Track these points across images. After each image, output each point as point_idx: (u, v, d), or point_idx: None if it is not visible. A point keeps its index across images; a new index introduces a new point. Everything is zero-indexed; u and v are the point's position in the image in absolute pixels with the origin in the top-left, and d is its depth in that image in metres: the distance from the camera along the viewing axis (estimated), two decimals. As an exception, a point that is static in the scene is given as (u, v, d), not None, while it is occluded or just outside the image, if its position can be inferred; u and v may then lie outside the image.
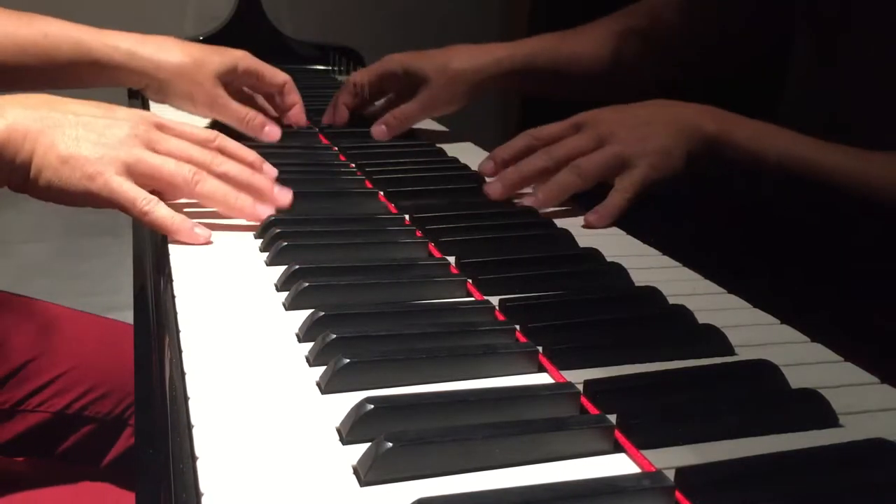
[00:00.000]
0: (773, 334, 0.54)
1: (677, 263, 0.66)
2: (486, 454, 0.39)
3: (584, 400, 0.45)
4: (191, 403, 0.43)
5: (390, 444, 0.38)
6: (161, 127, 0.69)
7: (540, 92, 1.07)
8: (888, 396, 0.47)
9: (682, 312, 0.55)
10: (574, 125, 0.79)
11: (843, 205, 0.72)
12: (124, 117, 0.68)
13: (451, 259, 0.63)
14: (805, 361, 0.50)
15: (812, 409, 0.44)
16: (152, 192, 0.66)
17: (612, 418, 0.42)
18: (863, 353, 0.50)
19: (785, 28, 0.92)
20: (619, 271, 0.62)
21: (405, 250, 0.65)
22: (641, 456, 0.40)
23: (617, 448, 0.41)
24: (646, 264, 0.65)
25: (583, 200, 0.77)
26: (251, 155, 0.73)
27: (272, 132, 0.94)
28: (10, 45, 0.90)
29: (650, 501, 0.37)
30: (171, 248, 0.64)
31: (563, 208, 0.77)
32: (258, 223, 0.68)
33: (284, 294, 0.56)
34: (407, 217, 0.72)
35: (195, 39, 1.34)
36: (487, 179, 0.80)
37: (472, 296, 0.58)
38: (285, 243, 0.63)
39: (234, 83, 0.97)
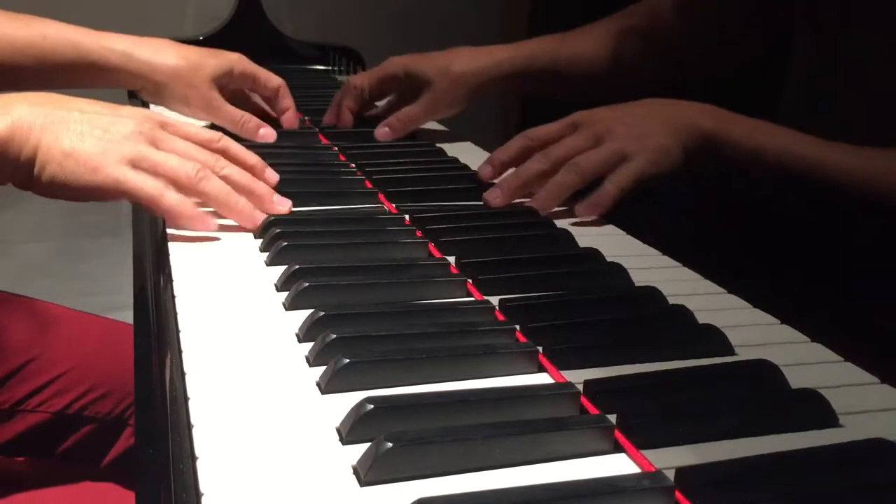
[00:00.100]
0: (773, 334, 0.54)
1: (677, 263, 0.66)
2: (486, 454, 0.39)
3: (584, 400, 0.44)
4: (191, 403, 0.43)
5: (390, 444, 0.38)
6: (165, 126, 0.70)
7: (540, 93, 1.07)
8: (888, 396, 0.47)
9: (682, 312, 0.55)
10: (570, 125, 0.79)
11: (842, 203, 0.72)
12: (129, 115, 0.68)
13: (451, 259, 0.63)
14: (805, 361, 0.50)
15: (812, 409, 0.44)
16: None
17: (612, 418, 0.42)
18: (863, 353, 0.50)
19: (785, 28, 0.92)
20: (619, 271, 0.62)
21: (405, 250, 0.65)
22: (641, 456, 0.40)
23: (617, 448, 0.41)
24: (646, 264, 0.65)
25: (581, 199, 0.77)
26: (253, 158, 0.73)
27: (267, 134, 0.95)
28: (7, 46, 0.90)
29: (650, 501, 0.37)
30: (171, 247, 0.64)
31: (564, 208, 0.77)
32: (253, 229, 0.68)
33: (284, 294, 0.56)
34: (407, 217, 0.72)
35: (195, 39, 1.34)
36: (487, 183, 0.80)
37: (472, 296, 0.58)
38: (285, 243, 0.63)
39: (229, 86, 0.98)
